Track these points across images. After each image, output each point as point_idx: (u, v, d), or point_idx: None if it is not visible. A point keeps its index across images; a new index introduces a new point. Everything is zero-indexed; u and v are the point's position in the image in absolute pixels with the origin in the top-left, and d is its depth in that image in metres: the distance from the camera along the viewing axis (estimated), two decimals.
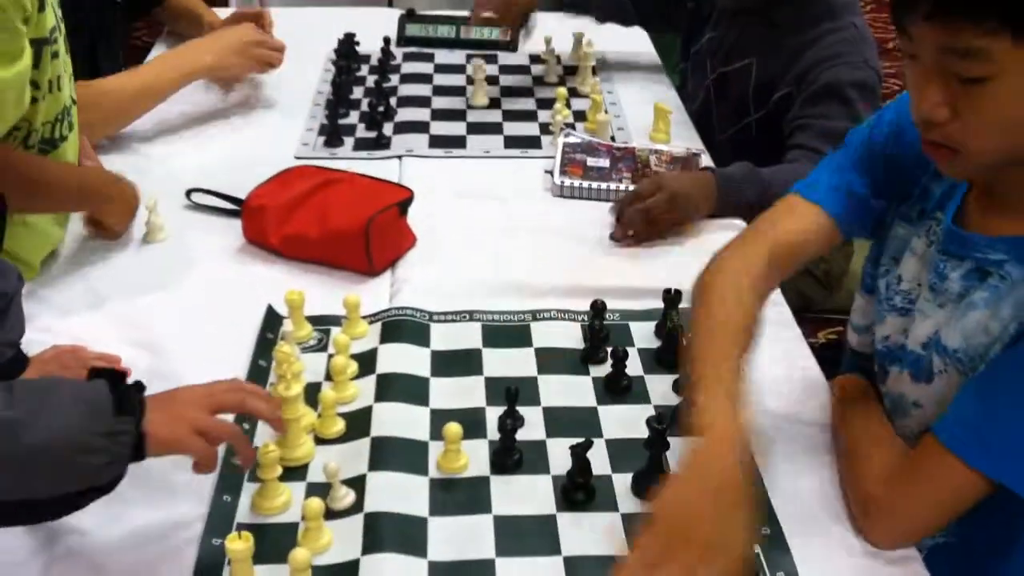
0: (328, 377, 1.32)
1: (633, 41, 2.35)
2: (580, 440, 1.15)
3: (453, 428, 1.18)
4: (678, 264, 1.57)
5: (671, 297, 1.41)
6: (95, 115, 1.67)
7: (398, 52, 2.29)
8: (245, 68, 2.02)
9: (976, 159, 1.04)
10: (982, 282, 1.10)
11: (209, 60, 1.93)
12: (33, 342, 1.34)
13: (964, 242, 1.12)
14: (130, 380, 1.04)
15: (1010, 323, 1.07)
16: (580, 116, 2.02)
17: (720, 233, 1.66)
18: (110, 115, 1.79)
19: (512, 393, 1.21)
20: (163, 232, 1.61)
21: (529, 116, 2.05)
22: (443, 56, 2.30)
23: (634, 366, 1.35)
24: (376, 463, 1.18)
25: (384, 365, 1.33)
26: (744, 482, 0.97)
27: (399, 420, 1.25)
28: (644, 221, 1.63)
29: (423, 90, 2.14)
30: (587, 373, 1.35)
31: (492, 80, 2.16)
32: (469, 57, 2.24)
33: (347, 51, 2.24)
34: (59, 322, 1.41)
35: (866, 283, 1.31)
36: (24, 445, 0.92)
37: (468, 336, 1.41)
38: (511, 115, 2.05)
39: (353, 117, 2.01)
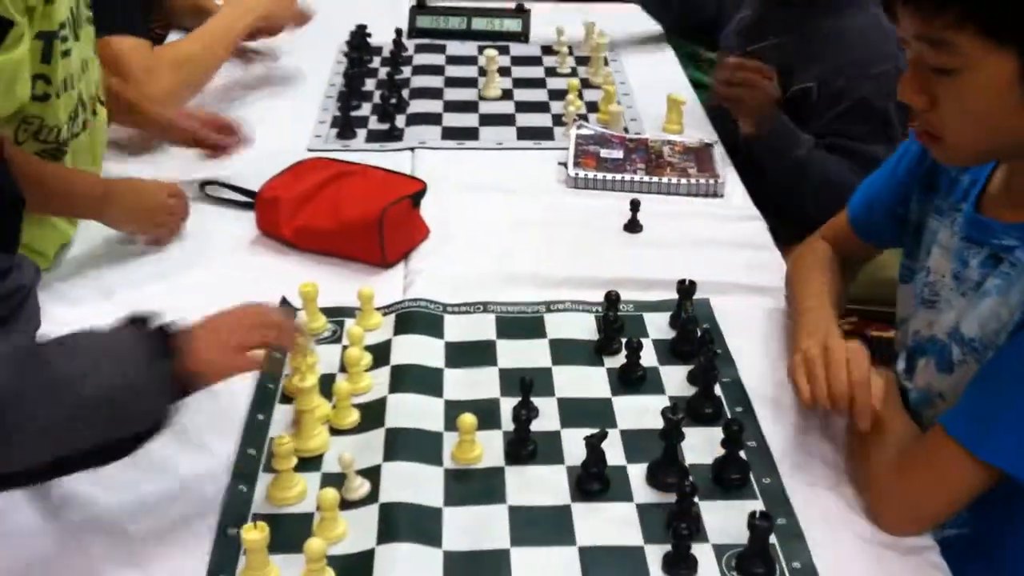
0: (342, 369, 1.32)
1: (645, 29, 2.34)
2: (595, 431, 1.15)
3: (468, 419, 1.18)
4: (692, 255, 1.57)
5: (685, 288, 1.40)
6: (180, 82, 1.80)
7: (410, 44, 2.29)
8: (286, 17, 2.10)
9: (954, 148, 1.06)
10: (995, 268, 1.10)
11: (259, 10, 2.02)
12: (46, 335, 1.34)
13: (983, 228, 1.12)
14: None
15: (1016, 310, 1.07)
16: (593, 107, 2.01)
17: (738, 226, 1.66)
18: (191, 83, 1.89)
19: (527, 384, 1.21)
20: None
21: (542, 107, 2.04)
22: (455, 47, 2.29)
23: (648, 357, 1.35)
24: (391, 454, 1.18)
25: (398, 356, 1.33)
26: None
27: (413, 411, 1.25)
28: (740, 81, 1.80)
29: (435, 82, 2.13)
30: (601, 364, 1.34)
31: (504, 71, 2.16)
32: (481, 48, 2.23)
33: (359, 43, 2.24)
34: (71, 313, 1.41)
35: (903, 275, 1.32)
36: (84, 397, 0.96)
37: (482, 327, 1.41)
38: (523, 106, 2.04)
39: (365, 109, 2.01)
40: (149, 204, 1.56)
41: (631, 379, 1.31)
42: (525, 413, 1.19)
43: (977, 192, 1.16)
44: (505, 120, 1.99)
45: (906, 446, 1.13)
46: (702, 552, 1.07)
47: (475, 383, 1.31)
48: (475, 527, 1.10)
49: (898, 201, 1.31)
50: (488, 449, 1.20)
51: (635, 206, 1.64)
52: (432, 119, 1.98)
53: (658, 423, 1.16)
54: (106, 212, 1.52)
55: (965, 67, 0.98)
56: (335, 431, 1.23)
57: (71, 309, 1.43)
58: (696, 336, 1.36)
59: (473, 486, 1.16)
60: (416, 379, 1.30)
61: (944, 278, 1.18)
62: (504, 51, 2.25)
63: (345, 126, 1.92)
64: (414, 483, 1.15)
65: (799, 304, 1.33)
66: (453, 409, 1.25)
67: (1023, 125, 1.01)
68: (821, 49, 1.86)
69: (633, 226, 1.64)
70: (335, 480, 1.14)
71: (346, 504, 1.11)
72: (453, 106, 2.04)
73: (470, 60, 2.24)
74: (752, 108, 1.82)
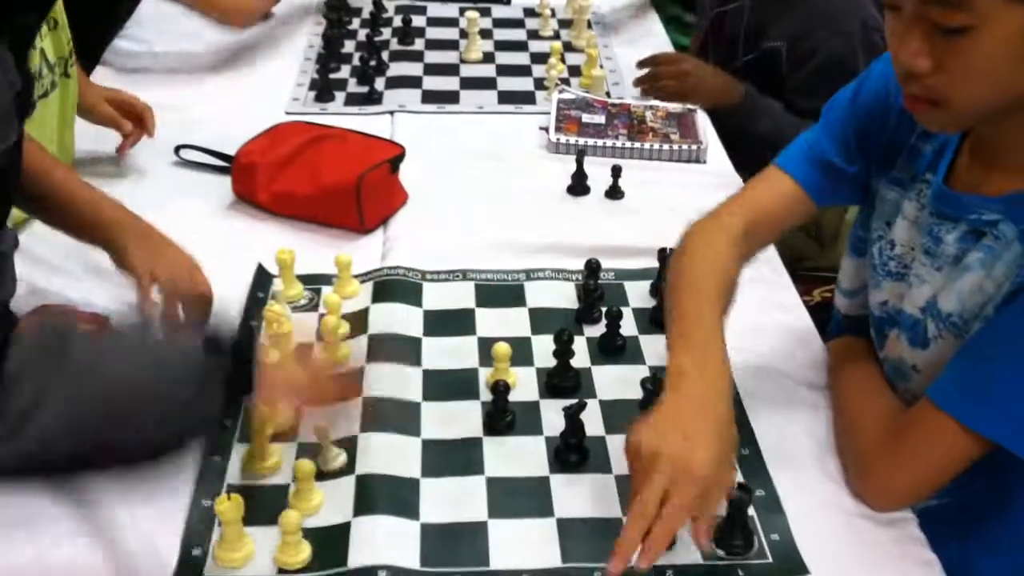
0: (319, 337, 1.30)
1: None
2: (574, 401, 1.14)
3: (502, 347, 1.21)
4: (674, 223, 1.55)
5: (667, 256, 1.39)
6: None
7: (390, 5, 2.25)
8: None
9: (959, 112, 1.02)
10: (976, 243, 1.08)
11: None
12: (20, 301, 1.32)
13: (957, 203, 1.10)
14: None
15: (1004, 282, 1.06)
16: (575, 71, 1.99)
17: (720, 192, 1.64)
18: None
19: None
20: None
21: (523, 71, 2.02)
22: (436, 9, 2.26)
23: (628, 326, 1.34)
24: (368, 424, 1.17)
25: (376, 325, 1.32)
26: (731, 419, 1.02)
27: (391, 381, 1.23)
28: (650, 78, 1.86)
29: (415, 44, 2.10)
30: (581, 333, 1.33)
31: (486, 34, 2.13)
32: (462, 10, 2.20)
33: (338, 3, 2.20)
34: (48, 281, 1.39)
35: (855, 247, 1.29)
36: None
37: (461, 295, 1.39)
38: (505, 70, 2.02)
39: (344, 72, 1.98)
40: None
41: (611, 348, 1.30)
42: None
43: (946, 164, 1.13)
44: (486, 84, 1.97)
45: (891, 423, 1.12)
46: None
47: (454, 352, 1.30)
48: (453, 499, 1.10)
49: (859, 167, 1.23)
50: (466, 419, 1.19)
51: (616, 172, 1.62)
52: (412, 82, 1.96)
53: (638, 393, 1.16)
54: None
55: (978, 25, 0.94)
56: None
57: (49, 277, 1.40)
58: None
59: (451, 457, 1.15)
60: (394, 348, 1.28)
61: (913, 251, 1.16)
62: (486, 13, 2.22)
63: (323, 89, 1.89)
64: (391, 454, 1.14)
65: (676, 314, 1.11)
66: (431, 379, 1.24)
67: None
68: (788, 8, 1.85)
69: (614, 192, 1.63)
70: (311, 451, 1.13)
71: (322, 475, 1.10)
72: (433, 69, 2.01)
73: (451, 22, 2.20)
74: (688, 93, 1.83)
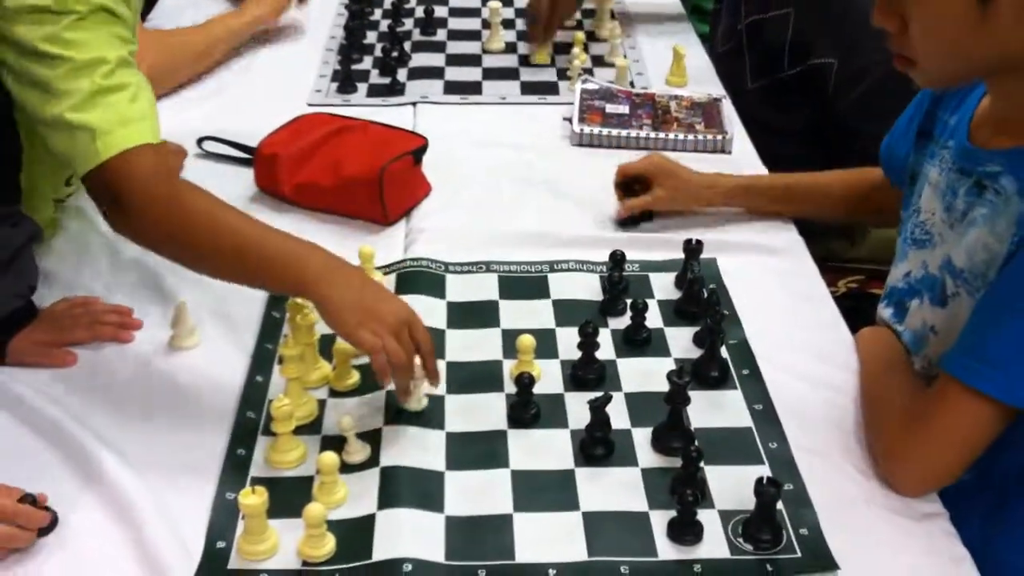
0: None
1: None
2: (599, 394, 1.13)
3: (526, 339, 1.20)
4: (699, 214, 1.54)
5: (692, 247, 1.37)
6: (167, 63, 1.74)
7: None
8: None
9: (927, 71, 1.07)
10: (980, 197, 1.09)
11: (256, 11, 1.98)
12: (44, 294, 1.32)
13: (971, 156, 1.13)
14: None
15: (1006, 239, 1.05)
16: (598, 61, 1.97)
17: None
18: (181, 66, 1.84)
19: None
20: (195, 336, 1.29)
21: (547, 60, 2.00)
22: None
23: (654, 318, 1.33)
24: (392, 417, 1.16)
25: None
26: None
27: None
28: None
29: (438, 35, 2.09)
30: (606, 325, 1.32)
31: (508, 24, 2.11)
32: (484, 0, 2.19)
33: None
34: (72, 275, 1.39)
35: (900, 228, 1.30)
36: None
37: (485, 287, 1.39)
38: (528, 60, 2.00)
39: (366, 63, 1.98)
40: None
41: (636, 341, 1.29)
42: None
43: (967, 121, 1.15)
44: (509, 74, 1.96)
45: (916, 405, 1.11)
46: (707, 518, 1.05)
47: (478, 344, 1.29)
48: (477, 492, 1.09)
49: (907, 149, 1.30)
50: (490, 413, 1.18)
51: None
52: (434, 73, 1.95)
53: (663, 386, 1.15)
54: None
55: None
56: (335, 393, 1.22)
57: (74, 271, 1.40)
58: (702, 297, 1.33)
59: (475, 450, 1.14)
60: None
61: (934, 215, 1.18)
62: (508, 3, 2.20)
63: (346, 80, 1.88)
64: (415, 447, 1.13)
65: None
66: (454, 371, 1.23)
67: (986, 44, 1.01)
68: (837, 21, 1.79)
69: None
70: (334, 444, 1.13)
71: (346, 467, 1.10)
72: (456, 60, 2.00)
73: (473, 12, 2.19)
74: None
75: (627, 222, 1.51)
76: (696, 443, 1.09)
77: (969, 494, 1.11)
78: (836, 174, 1.49)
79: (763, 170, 1.66)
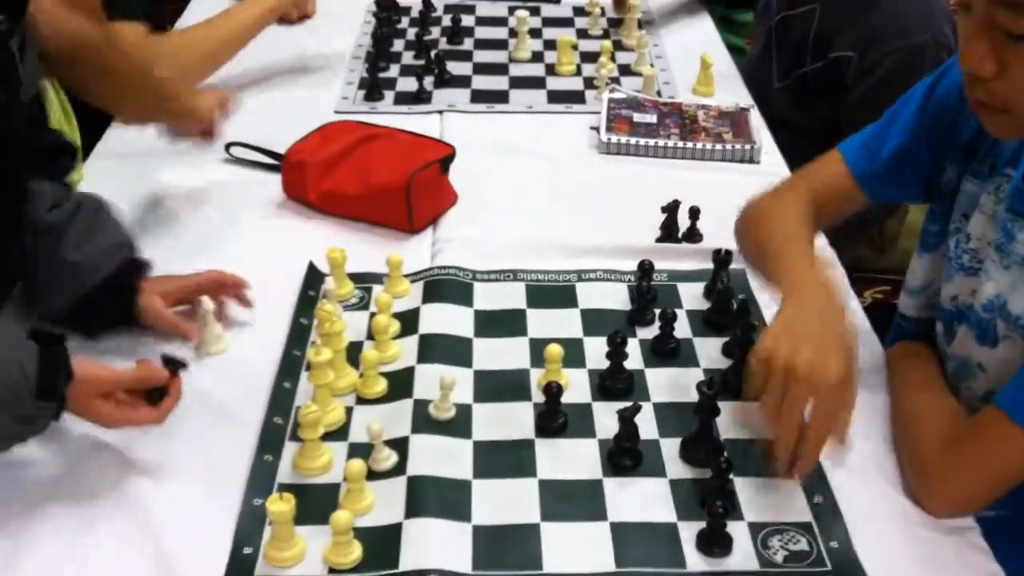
0: (370, 336, 1.30)
1: None
2: (627, 404, 1.12)
3: (554, 349, 1.20)
4: (727, 225, 1.53)
5: (721, 258, 1.37)
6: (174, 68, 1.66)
7: (439, 4, 2.24)
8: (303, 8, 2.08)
9: (1022, 122, 1.00)
10: None
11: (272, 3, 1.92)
12: None
13: None
14: None
15: None
16: (625, 70, 1.97)
17: None
18: (191, 68, 1.78)
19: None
20: (222, 343, 1.30)
21: (573, 70, 2.00)
22: (485, 8, 2.25)
23: (682, 328, 1.32)
24: (419, 425, 1.16)
25: (426, 325, 1.31)
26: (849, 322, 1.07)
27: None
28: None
29: (465, 44, 2.09)
30: (634, 335, 1.31)
31: (535, 33, 2.11)
32: (511, 9, 2.19)
33: (387, 2, 2.20)
34: None
35: (927, 242, 1.27)
36: None
37: (512, 296, 1.38)
38: (555, 69, 2.00)
39: (393, 71, 1.98)
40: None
41: (664, 351, 1.28)
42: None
43: None
44: (536, 83, 1.95)
45: (954, 427, 1.10)
46: (737, 530, 1.04)
47: (505, 353, 1.28)
48: (504, 501, 1.08)
49: (929, 164, 1.23)
50: (517, 422, 1.18)
51: (694, 214, 1.50)
52: (462, 82, 1.95)
53: (692, 396, 1.14)
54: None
55: None
56: (362, 400, 1.21)
57: None
58: (732, 307, 1.32)
59: (502, 459, 1.13)
60: (444, 349, 1.27)
61: (988, 246, 1.14)
62: (535, 12, 2.21)
63: (373, 88, 1.89)
64: (442, 455, 1.13)
65: (775, 255, 1.17)
66: (482, 379, 1.23)
67: None
68: (861, 15, 1.80)
69: (692, 235, 1.50)
70: (362, 451, 1.12)
71: (373, 475, 1.09)
72: (483, 68, 2.00)
73: (500, 21, 2.19)
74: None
75: (664, 238, 1.50)
76: (726, 454, 1.08)
77: (1007, 525, 1.11)
78: (806, 228, 1.23)
79: (787, 173, 1.64)
